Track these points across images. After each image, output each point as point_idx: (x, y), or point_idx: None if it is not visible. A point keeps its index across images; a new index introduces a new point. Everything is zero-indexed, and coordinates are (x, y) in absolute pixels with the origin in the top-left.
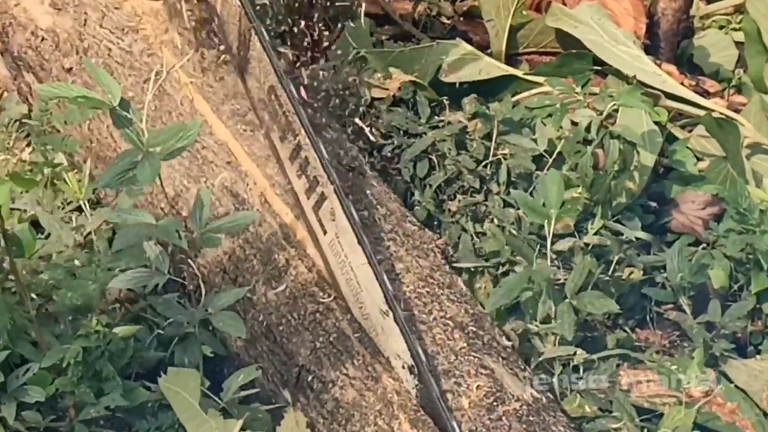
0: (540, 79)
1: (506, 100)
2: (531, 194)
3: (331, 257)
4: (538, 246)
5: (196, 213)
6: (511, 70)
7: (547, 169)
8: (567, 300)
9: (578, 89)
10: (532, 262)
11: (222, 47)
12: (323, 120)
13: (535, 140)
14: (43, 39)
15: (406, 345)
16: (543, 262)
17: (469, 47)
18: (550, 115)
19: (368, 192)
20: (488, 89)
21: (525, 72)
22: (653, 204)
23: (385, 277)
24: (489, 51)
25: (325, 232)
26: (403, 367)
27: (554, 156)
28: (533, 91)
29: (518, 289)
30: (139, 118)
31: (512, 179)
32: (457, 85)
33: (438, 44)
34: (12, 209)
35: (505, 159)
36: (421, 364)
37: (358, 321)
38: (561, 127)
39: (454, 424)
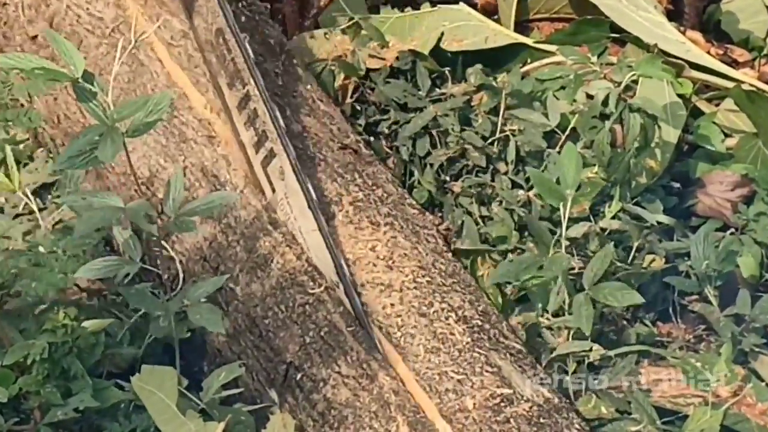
0: (552, 48)
1: (515, 71)
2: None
3: (280, 216)
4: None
5: (170, 195)
6: (520, 38)
7: (560, 147)
8: (585, 291)
9: (594, 59)
10: (549, 248)
11: None
12: (312, 93)
13: (546, 115)
14: (5, 4)
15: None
16: (557, 249)
17: (475, 13)
18: (562, 88)
19: (363, 172)
20: (495, 59)
21: (536, 40)
22: (676, 185)
23: (334, 246)
24: (496, 17)
25: (273, 191)
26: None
27: (567, 132)
28: (544, 61)
29: (529, 271)
30: (105, 91)
31: (521, 157)
32: (461, 55)
33: (439, 9)
34: None
35: (513, 135)
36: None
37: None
38: (575, 101)
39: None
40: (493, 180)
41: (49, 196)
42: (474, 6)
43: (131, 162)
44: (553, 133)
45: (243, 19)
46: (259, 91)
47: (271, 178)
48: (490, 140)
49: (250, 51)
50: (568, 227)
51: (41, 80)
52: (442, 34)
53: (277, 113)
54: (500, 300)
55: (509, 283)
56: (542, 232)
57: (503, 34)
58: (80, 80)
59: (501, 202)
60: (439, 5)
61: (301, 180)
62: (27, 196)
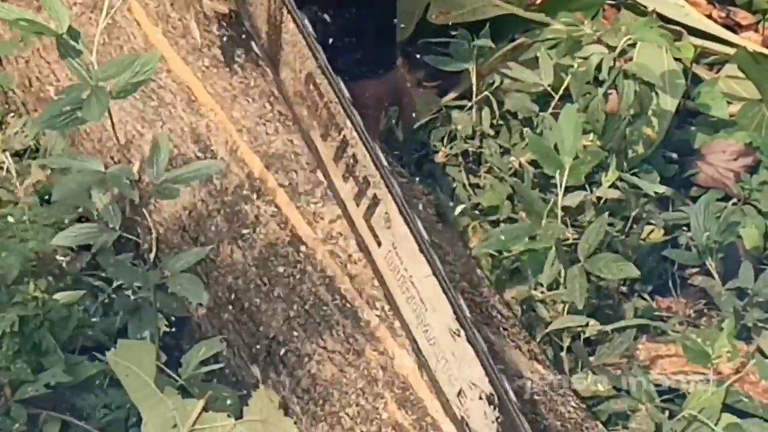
0: (546, 18)
1: None
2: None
3: (387, 273)
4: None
5: (153, 160)
6: (511, 9)
7: (553, 109)
8: (580, 263)
9: (587, 22)
10: (542, 217)
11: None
12: None
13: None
14: None
15: (483, 370)
16: (551, 219)
17: None
18: (554, 47)
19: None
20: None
21: (527, 8)
22: (675, 154)
23: (453, 290)
24: None
25: (379, 244)
26: (480, 398)
27: (560, 93)
28: (537, 31)
29: (521, 239)
30: (88, 49)
31: (509, 120)
32: (449, 27)
33: None
34: None
35: (505, 96)
36: (504, 393)
37: (422, 350)
38: (571, 67)
39: None
40: (481, 145)
41: (26, 162)
42: None
43: (113, 124)
44: (545, 96)
45: None
46: (357, 133)
47: (375, 230)
48: (475, 100)
49: (344, 90)
50: (562, 197)
51: (27, 32)
52: (428, 5)
53: (379, 152)
54: (493, 272)
55: (501, 253)
56: (534, 202)
57: (492, 5)
58: (65, 36)
59: (491, 169)
60: None
61: (411, 222)
62: (7, 159)
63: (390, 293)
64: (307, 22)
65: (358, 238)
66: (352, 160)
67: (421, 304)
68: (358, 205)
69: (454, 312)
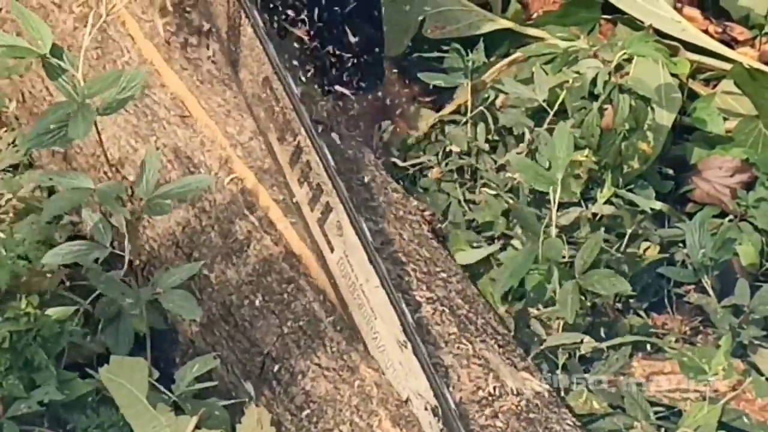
0: (541, 33)
1: None
2: (532, 155)
3: (339, 279)
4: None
5: (144, 177)
6: (507, 24)
7: (547, 125)
8: (574, 279)
9: (582, 37)
10: (539, 235)
11: (206, 25)
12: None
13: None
14: None
15: (428, 383)
16: (549, 237)
17: None
18: (549, 62)
19: (345, 155)
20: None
21: (523, 23)
22: (671, 170)
23: (402, 303)
24: None
25: (332, 250)
26: (426, 409)
27: (555, 109)
28: (533, 46)
29: (525, 269)
30: (75, 66)
31: (505, 136)
32: (444, 42)
33: None
34: None
35: (500, 111)
36: (447, 406)
37: (372, 355)
38: (566, 82)
39: None
40: (476, 161)
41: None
42: None
43: (102, 142)
44: (540, 111)
45: None
46: (310, 140)
47: (329, 236)
48: (470, 115)
49: (298, 96)
50: (557, 212)
51: (7, 57)
52: (424, 20)
53: (330, 160)
54: (486, 287)
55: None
56: (530, 221)
57: (487, 19)
58: (48, 55)
59: (486, 185)
60: None
61: (361, 233)
62: (11, 173)
63: (342, 298)
64: (263, 28)
65: (312, 242)
66: (306, 167)
67: (371, 312)
68: (312, 210)
69: (402, 324)
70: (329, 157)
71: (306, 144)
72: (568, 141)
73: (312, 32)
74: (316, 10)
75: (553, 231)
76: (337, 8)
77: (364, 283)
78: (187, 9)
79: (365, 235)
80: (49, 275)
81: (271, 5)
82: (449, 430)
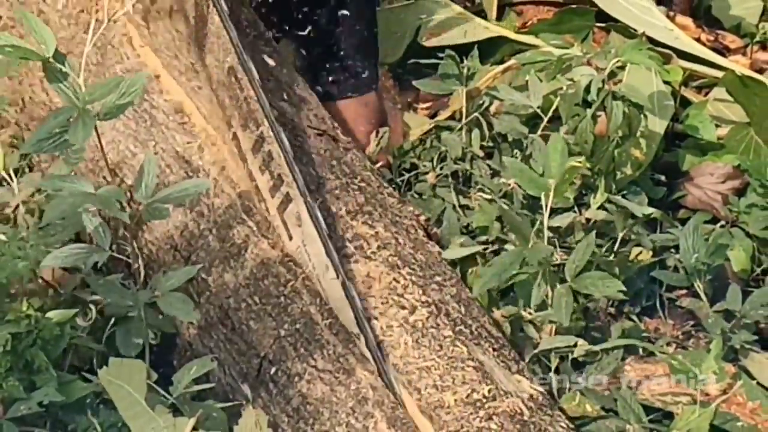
0: (535, 40)
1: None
2: (526, 161)
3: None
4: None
5: (142, 181)
6: (501, 31)
7: (541, 131)
8: (567, 283)
9: (576, 45)
10: (529, 239)
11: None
12: (286, 77)
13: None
14: None
15: (378, 372)
16: (539, 241)
17: (453, 6)
18: (544, 70)
19: (341, 159)
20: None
21: (517, 31)
22: (663, 176)
23: (355, 295)
24: (479, 1)
25: (290, 238)
26: None
27: (549, 115)
28: (527, 54)
29: (511, 270)
30: (75, 72)
31: (500, 142)
32: (440, 49)
33: (416, 2)
34: None
35: (495, 117)
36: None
37: None
38: (560, 90)
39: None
40: (471, 166)
41: (17, 181)
42: None
43: (102, 146)
44: (534, 118)
45: None
46: (273, 133)
47: (288, 224)
48: (465, 122)
49: (260, 88)
50: (550, 218)
51: (12, 58)
52: (419, 28)
53: (290, 152)
54: (483, 293)
55: None
56: (520, 225)
57: (482, 27)
58: (51, 60)
59: (481, 190)
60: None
61: (319, 227)
62: (10, 176)
63: None
64: (229, 17)
65: (271, 223)
66: (267, 156)
67: (327, 301)
68: (272, 197)
69: (355, 317)
70: (290, 148)
71: (269, 134)
72: (562, 149)
73: (307, 35)
74: (312, 14)
75: (546, 235)
76: (332, 12)
77: (320, 274)
78: None
79: (322, 228)
80: (55, 277)
81: (267, 7)
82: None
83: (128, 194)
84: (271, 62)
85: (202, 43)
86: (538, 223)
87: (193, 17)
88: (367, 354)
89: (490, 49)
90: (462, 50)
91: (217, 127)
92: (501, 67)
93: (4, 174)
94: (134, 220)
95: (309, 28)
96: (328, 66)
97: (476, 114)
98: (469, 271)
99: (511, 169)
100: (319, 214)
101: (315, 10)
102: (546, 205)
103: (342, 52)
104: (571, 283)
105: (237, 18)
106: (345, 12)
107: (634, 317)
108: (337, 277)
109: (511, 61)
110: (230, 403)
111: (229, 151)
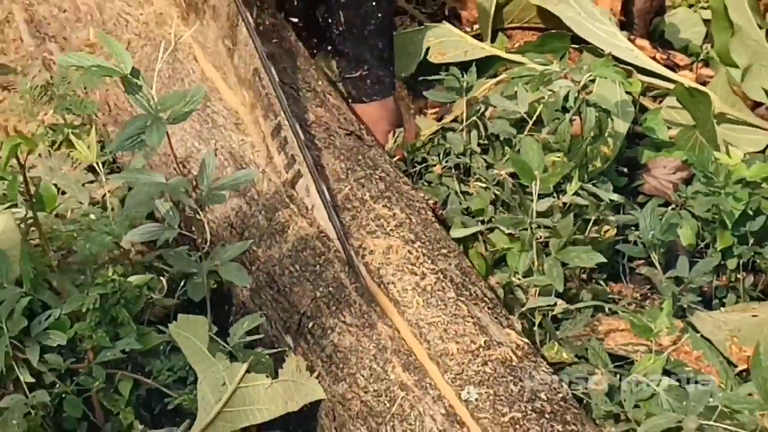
0: (523, 59)
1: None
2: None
3: None
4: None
5: (203, 173)
6: (494, 51)
7: (527, 132)
8: (553, 255)
9: (555, 63)
10: (525, 214)
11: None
12: (323, 88)
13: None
14: (65, 11)
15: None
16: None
17: (455, 30)
18: (529, 82)
19: (365, 155)
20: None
21: (508, 51)
22: (626, 169)
23: (353, 253)
24: (477, 26)
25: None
26: None
27: (534, 119)
28: (516, 69)
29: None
30: (149, 85)
31: (493, 141)
32: (445, 66)
33: (426, 27)
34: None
35: (489, 121)
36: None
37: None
38: (542, 98)
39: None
40: (470, 160)
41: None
42: (458, 17)
43: (171, 145)
44: (522, 121)
45: (267, 22)
46: (288, 122)
47: (299, 194)
48: (465, 124)
49: (279, 87)
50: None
51: (98, 76)
52: (428, 48)
53: (302, 137)
54: (480, 262)
55: (487, 249)
56: (514, 205)
57: (479, 48)
58: (129, 76)
59: (478, 180)
60: (425, 24)
61: (324, 197)
62: (99, 167)
63: None
64: (255, 33)
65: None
66: (283, 140)
67: None
68: (287, 173)
69: (355, 273)
70: (301, 134)
71: (284, 123)
72: (537, 148)
73: (340, 49)
74: (344, 33)
75: (533, 215)
76: (361, 31)
77: (325, 235)
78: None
79: (326, 197)
80: (135, 249)
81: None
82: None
83: (194, 182)
84: (311, 75)
85: (234, 49)
86: (527, 207)
87: (228, 27)
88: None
89: (485, 66)
90: (462, 66)
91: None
92: (494, 80)
93: (96, 166)
94: (198, 204)
95: (341, 44)
96: (356, 74)
97: (474, 118)
98: (470, 245)
99: (512, 160)
100: (324, 188)
101: (347, 31)
102: (534, 191)
103: (367, 64)
104: (557, 255)
105: (282, 37)
106: (370, 30)
107: (602, 282)
108: (338, 238)
109: (503, 76)
110: (276, 351)
111: (275, 155)
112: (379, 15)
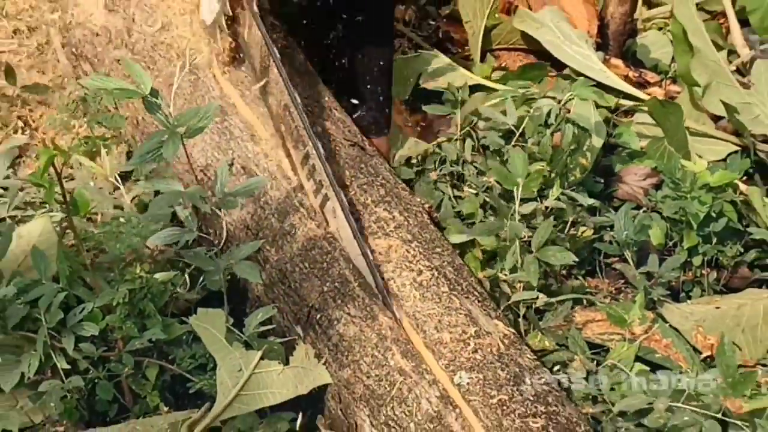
0: (506, 87)
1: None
2: (504, 164)
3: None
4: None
5: (218, 181)
6: (480, 80)
7: (515, 143)
8: (533, 253)
9: (535, 86)
10: (507, 218)
11: (247, 64)
12: (329, 104)
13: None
14: (97, 35)
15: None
16: (513, 221)
17: (446, 58)
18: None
19: (367, 163)
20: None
21: (493, 80)
22: (601, 177)
23: (374, 268)
24: (468, 47)
25: (327, 225)
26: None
27: (520, 131)
28: (501, 91)
29: (493, 233)
30: (167, 103)
31: (484, 152)
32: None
33: (420, 56)
34: (71, 177)
35: (477, 131)
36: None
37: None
38: (528, 113)
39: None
40: (463, 168)
41: (132, 179)
42: (451, 39)
43: (189, 156)
44: (510, 132)
45: (280, 45)
46: (316, 151)
47: (326, 216)
48: (459, 135)
49: (307, 121)
50: (520, 205)
51: (120, 97)
52: (421, 74)
53: (328, 167)
54: (475, 264)
55: (474, 246)
56: (501, 207)
57: (466, 76)
58: (148, 96)
59: (470, 186)
60: (420, 51)
61: (348, 218)
62: (117, 180)
63: None
64: (284, 71)
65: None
66: (312, 168)
67: None
68: (315, 197)
69: (375, 281)
70: (329, 167)
71: (312, 152)
72: (523, 158)
73: (336, 87)
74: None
75: (517, 217)
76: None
77: (351, 253)
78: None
79: (351, 218)
80: (159, 250)
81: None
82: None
83: (212, 190)
84: (318, 91)
85: (266, 89)
86: (512, 210)
87: (260, 69)
88: (381, 300)
89: (473, 90)
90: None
91: (275, 143)
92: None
93: (113, 180)
94: (216, 209)
95: (342, 85)
96: (354, 114)
97: (467, 129)
98: (468, 250)
99: (493, 170)
100: (347, 207)
101: (348, 73)
102: (517, 196)
103: (366, 106)
104: (537, 254)
105: (292, 57)
106: (371, 76)
107: (580, 277)
108: (362, 254)
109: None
110: (287, 339)
111: (285, 163)
112: (381, 63)
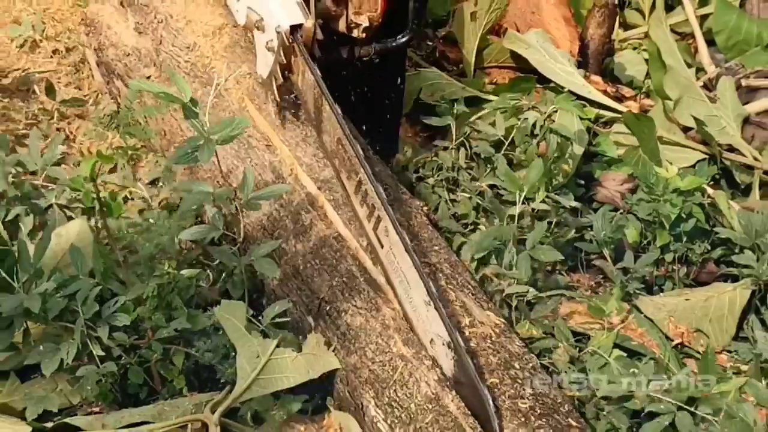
0: (496, 98)
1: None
2: (493, 171)
3: (387, 265)
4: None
5: (244, 185)
6: (473, 93)
7: (504, 152)
8: (526, 252)
9: (524, 98)
10: (503, 220)
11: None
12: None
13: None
14: (128, 54)
15: (444, 327)
16: (511, 223)
17: (444, 74)
18: (504, 113)
19: (375, 170)
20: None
21: (485, 87)
22: (583, 181)
23: (426, 277)
24: (461, 65)
25: (381, 246)
26: (443, 344)
27: (509, 141)
28: (492, 103)
29: (490, 240)
30: (202, 113)
31: (476, 159)
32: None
33: (419, 73)
34: (105, 182)
35: (470, 141)
36: (458, 342)
37: (407, 313)
38: (516, 124)
39: (489, 397)
40: (458, 174)
41: (159, 185)
42: (447, 58)
43: (219, 161)
44: (500, 142)
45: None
46: (368, 177)
47: (380, 237)
48: (454, 144)
49: (360, 149)
50: (509, 208)
51: (164, 101)
52: (421, 89)
53: (381, 191)
54: (466, 257)
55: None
56: (499, 210)
57: (464, 90)
58: (188, 104)
59: (464, 190)
60: (419, 68)
61: (400, 233)
62: (143, 189)
63: (389, 278)
64: (337, 107)
65: (369, 242)
66: (364, 194)
67: (407, 285)
68: (368, 221)
69: (427, 291)
70: (380, 188)
71: (365, 180)
72: (539, 168)
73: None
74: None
75: (516, 219)
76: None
77: (403, 266)
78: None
79: (404, 236)
80: (186, 247)
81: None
82: (458, 357)
83: (235, 193)
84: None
85: (320, 127)
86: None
87: (313, 110)
88: (436, 314)
89: (468, 102)
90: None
91: (290, 147)
92: (479, 114)
93: (141, 186)
94: (239, 210)
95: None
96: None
97: (462, 139)
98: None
99: (503, 174)
100: (399, 226)
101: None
102: (518, 200)
103: (373, 134)
104: (529, 252)
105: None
106: (382, 112)
107: (564, 273)
108: (414, 267)
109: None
110: (300, 330)
111: (299, 171)
112: (392, 95)
